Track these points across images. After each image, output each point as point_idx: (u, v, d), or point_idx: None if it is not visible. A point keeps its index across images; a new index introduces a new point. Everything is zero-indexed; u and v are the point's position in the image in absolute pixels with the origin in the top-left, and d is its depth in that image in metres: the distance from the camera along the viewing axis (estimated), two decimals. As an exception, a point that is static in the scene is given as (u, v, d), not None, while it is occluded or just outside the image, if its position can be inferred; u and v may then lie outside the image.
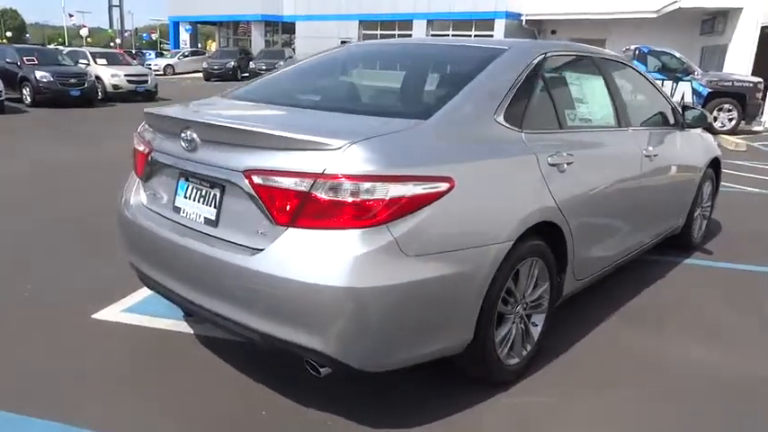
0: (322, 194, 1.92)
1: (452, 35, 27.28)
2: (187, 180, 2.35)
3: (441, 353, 2.23)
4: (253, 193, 2.03)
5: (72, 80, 14.56)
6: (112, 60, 18.04)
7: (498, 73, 2.55)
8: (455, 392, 2.49)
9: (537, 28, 26.89)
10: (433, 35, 27.81)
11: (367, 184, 1.91)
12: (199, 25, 41.49)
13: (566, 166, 2.65)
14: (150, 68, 22.77)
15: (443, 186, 2.05)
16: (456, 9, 27.01)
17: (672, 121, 3.99)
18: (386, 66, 3.30)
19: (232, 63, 29.73)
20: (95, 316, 3.10)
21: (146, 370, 2.64)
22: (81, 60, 17.28)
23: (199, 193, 2.29)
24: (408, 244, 1.96)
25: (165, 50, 50.04)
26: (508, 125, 2.45)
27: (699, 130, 4.36)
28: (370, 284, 1.90)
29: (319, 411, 2.33)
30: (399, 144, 2.07)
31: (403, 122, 2.17)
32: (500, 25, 26.04)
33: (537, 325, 2.70)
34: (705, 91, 12.77)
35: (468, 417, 2.34)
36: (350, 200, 1.90)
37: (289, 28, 35.42)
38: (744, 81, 13.10)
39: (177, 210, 2.38)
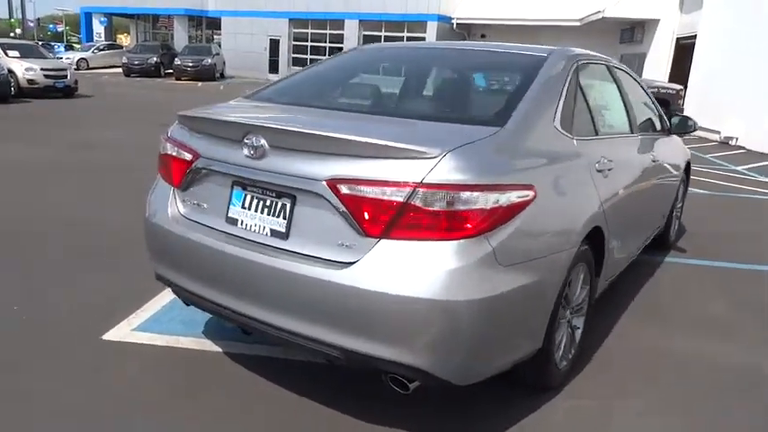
0: (421, 204, 1.83)
1: (384, 36, 27.42)
2: (244, 189, 2.18)
3: (517, 361, 2.21)
4: (339, 203, 1.92)
5: (-19, 74, 13.31)
6: (26, 53, 16.51)
7: (550, 80, 2.55)
8: (510, 402, 2.46)
9: (467, 32, 27.55)
10: (365, 36, 27.83)
11: (467, 194, 1.85)
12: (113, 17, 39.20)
13: (608, 171, 2.71)
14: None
15: (530, 194, 2.03)
16: (388, 10, 27.13)
17: (659, 126, 4.18)
18: (428, 70, 3.20)
19: (154, 58, 28.21)
20: (106, 337, 2.82)
21: (181, 395, 2.42)
22: (-11, 52, 15.81)
23: (262, 203, 2.13)
24: (503, 254, 1.93)
25: (75, 43, 46.85)
26: (564, 132, 2.47)
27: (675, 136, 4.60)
28: (471, 297, 1.85)
29: (384, 427, 2.25)
30: (490, 152, 2.03)
31: (483, 129, 2.12)
32: (432, 28, 26.43)
33: (579, 328, 2.74)
34: (634, 96, 13.55)
35: (534, 424, 2.33)
36: (450, 209, 1.84)
37: (213, 23, 34.22)
38: (667, 88, 14.08)
39: (233, 221, 2.21)
